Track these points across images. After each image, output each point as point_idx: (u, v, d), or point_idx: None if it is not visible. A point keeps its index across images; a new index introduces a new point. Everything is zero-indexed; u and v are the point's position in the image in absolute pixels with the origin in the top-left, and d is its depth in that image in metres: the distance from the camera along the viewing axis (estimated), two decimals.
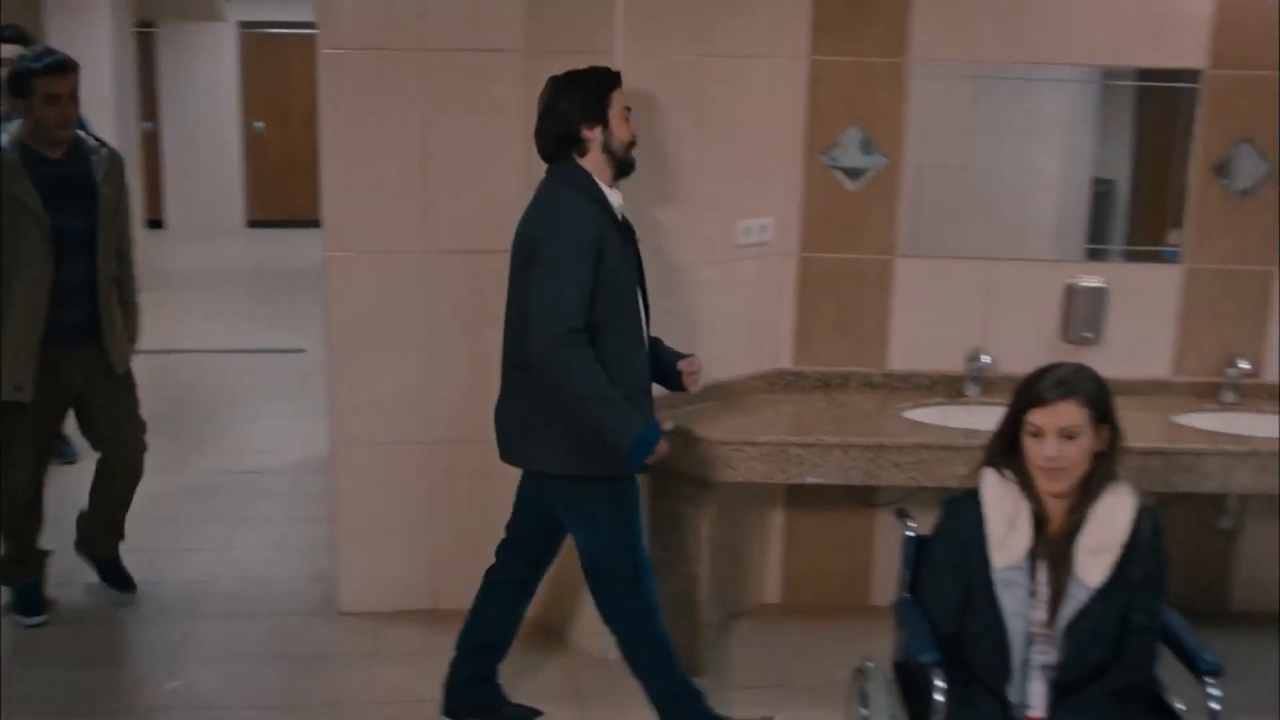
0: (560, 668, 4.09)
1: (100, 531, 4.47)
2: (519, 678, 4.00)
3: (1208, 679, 2.61)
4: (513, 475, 4.31)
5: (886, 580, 4.51)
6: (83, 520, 4.47)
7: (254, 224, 13.26)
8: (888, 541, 4.51)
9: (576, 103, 3.27)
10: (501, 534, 4.44)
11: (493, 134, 4.08)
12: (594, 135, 3.29)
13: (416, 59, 4.01)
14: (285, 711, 3.80)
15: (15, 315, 3.96)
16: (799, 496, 4.48)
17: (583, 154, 3.30)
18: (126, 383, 4.29)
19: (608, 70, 3.34)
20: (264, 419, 6.74)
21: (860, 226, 4.29)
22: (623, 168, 3.37)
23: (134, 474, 4.40)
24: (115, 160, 4.21)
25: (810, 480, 3.86)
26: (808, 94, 4.18)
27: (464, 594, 4.37)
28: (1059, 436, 2.65)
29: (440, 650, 4.12)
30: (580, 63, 3.77)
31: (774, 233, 4.23)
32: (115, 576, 4.48)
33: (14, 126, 4.09)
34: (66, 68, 4.02)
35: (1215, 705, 2.57)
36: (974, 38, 4.17)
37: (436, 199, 4.12)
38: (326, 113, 4.11)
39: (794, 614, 4.52)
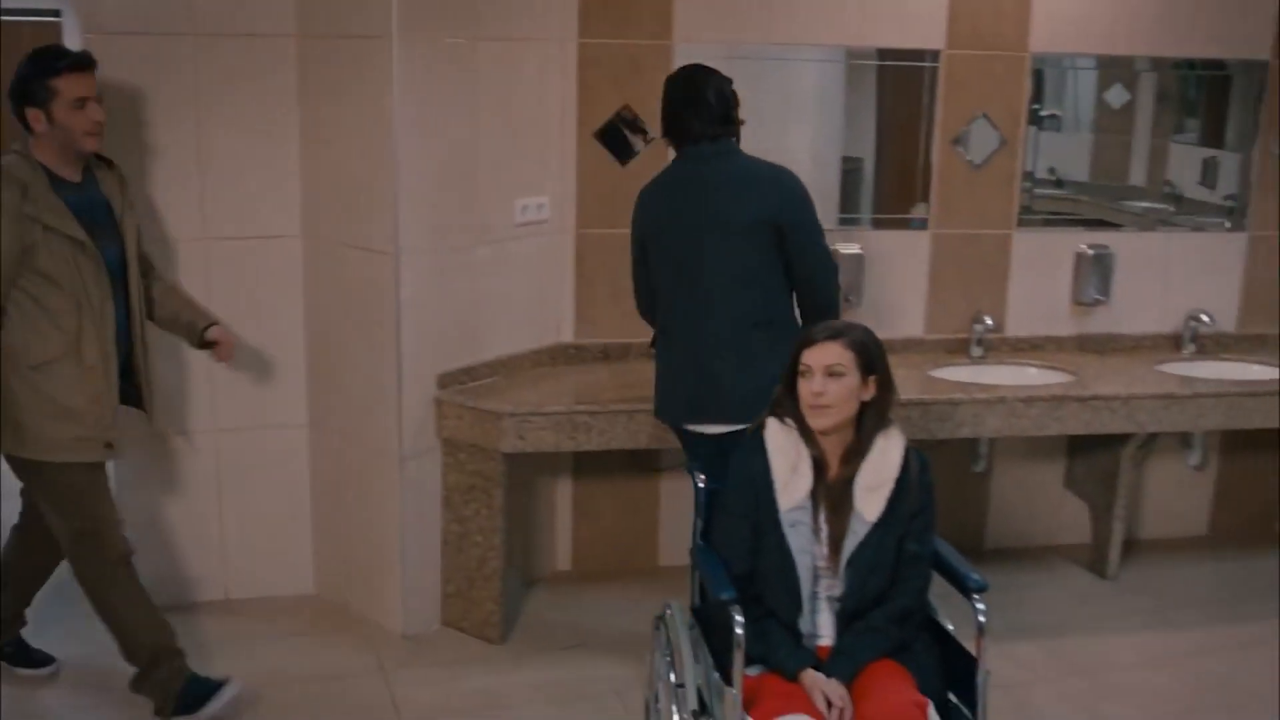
0: (361, 644, 4.13)
1: (11, 617, 3.89)
2: (320, 653, 4.04)
3: (975, 596, 2.86)
4: (299, 458, 4.34)
5: (673, 542, 4.72)
6: None
7: None
8: (672, 505, 4.71)
9: (729, 89, 3.58)
10: (295, 515, 4.47)
11: (270, 119, 4.06)
12: (741, 118, 3.62)
13: (186, 43, 3.95)
14: (84, 711, 3.72)
15: (92, 362, 3.42)
16: (586, 466, 4.63)
17: (735, 134, 3.61)
18: None
19: None
20: None
21: (632, 202, 4.44)
22: None
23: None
24: (122, 179, 3.63)
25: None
26: (578, 75, 4.32)
27: (257, 582, 4.39)
28: (824, 374, 2.88)
29: (237, 637, 4.11)
30: (356, 46, 3.84)
31: (551, 210, 4.36)
32: (29, 655, 3.93)
33: (11, 155, 3.40)
34: (89, 64, 3.42)
35: (982, 618, 2.82)
36: (733, 20, 4.38)
37: (214, 186, 4.07)
38: None
39: (586, 579, 4.67)
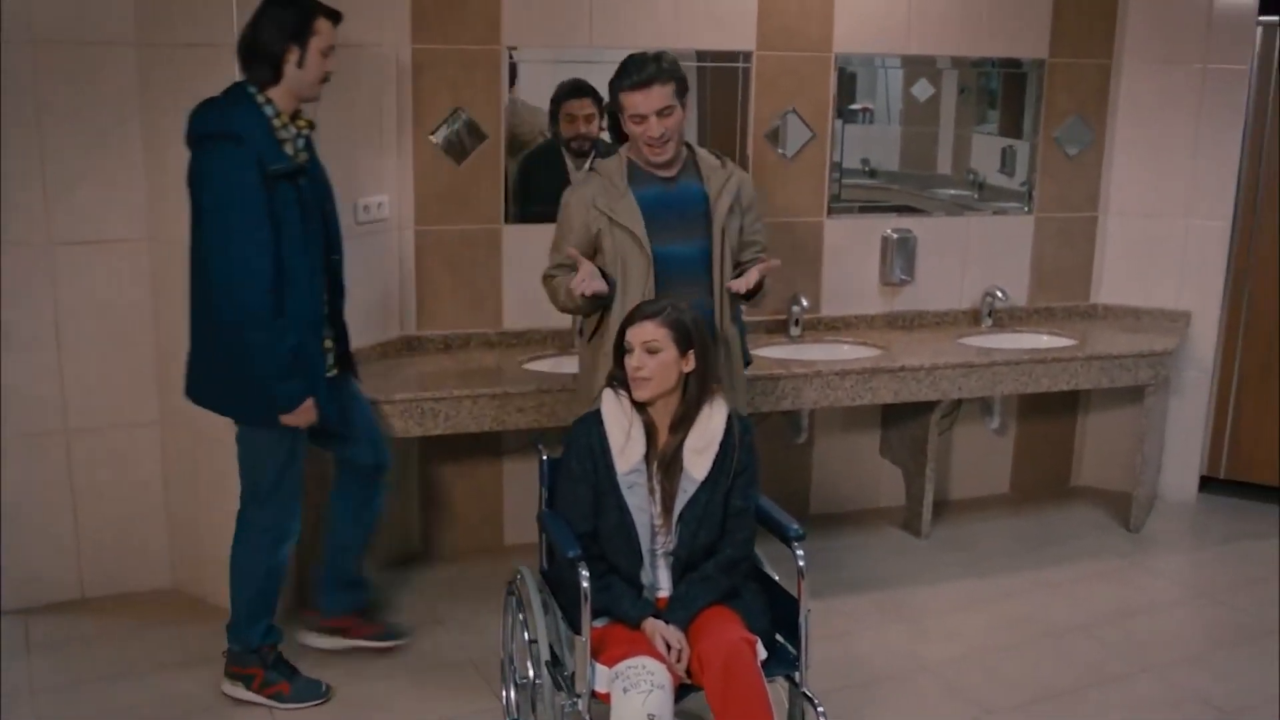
0: (221, 632, 4.21)
1: None
2: (182, 643, 4.15)
3: (795, 543, 3.17)
4: (152, 455, 4.42)
5: (517, 521, 4.95)
6: None
7: None
8: (515, 486, 4.94)
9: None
10: (149, 511, 4.50)
11: (110, 126, 4.14)
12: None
13: (25, 50, 3.99)
14: None
15: None
16: (433, 452, 4.82)
17: None
18: None
19: None
20: None
21: (469, 199, 4.67)
22: None
23: None
24: None
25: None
26: (413, 79, 4.52)
27: (114, 579, 4.45)
28: (642, 349, 3.17)
29: (98, 634, 4.18)
30: (197, 55, 3.94)
31: (390, 209, 4.55)
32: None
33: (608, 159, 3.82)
34: (653, 80, 3.64)
35: (801, 562, 3.12)
36: (558, 25, 4.64)
37: (57, 191, 4.13)
38: None
39: (437, 560, 4.87)
